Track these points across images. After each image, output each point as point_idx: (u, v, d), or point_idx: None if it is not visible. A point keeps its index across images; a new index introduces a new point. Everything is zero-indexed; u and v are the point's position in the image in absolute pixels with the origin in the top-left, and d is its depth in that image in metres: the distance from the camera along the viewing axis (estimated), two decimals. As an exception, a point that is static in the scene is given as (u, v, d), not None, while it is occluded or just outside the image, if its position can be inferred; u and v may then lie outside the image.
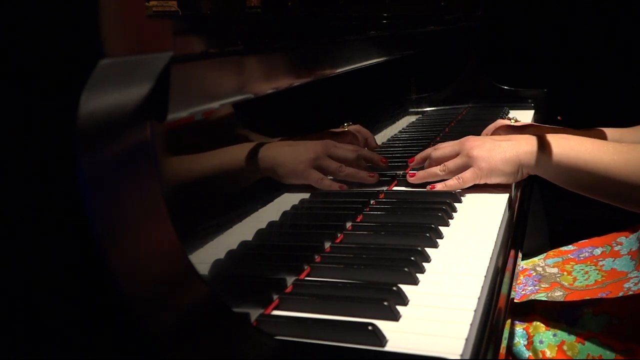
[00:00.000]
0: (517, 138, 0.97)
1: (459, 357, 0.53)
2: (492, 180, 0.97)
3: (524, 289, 1.08)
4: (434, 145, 1.37)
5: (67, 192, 0.43)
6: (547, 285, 1.07)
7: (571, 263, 1.14)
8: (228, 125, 0.72)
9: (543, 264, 1.16)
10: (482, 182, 0.98)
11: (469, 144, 0.99)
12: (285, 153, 0.83)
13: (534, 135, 0.96)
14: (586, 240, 1.21)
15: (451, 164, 1.00)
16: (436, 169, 1.02)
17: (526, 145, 0.94)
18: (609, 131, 1.13)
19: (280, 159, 0.81)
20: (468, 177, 0.98)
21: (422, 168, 1.08)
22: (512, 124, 1.29)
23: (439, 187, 1.00)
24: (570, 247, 1.21)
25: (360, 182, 0.99)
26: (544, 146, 0.92)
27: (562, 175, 0.92)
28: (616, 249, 1.13)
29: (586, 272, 1.09)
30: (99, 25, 0.39)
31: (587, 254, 1.16)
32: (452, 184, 0.99)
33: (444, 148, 1.03)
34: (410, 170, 1.06)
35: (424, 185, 1.07)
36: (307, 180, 0.87)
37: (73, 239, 0.44)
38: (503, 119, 1.41)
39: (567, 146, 0.90)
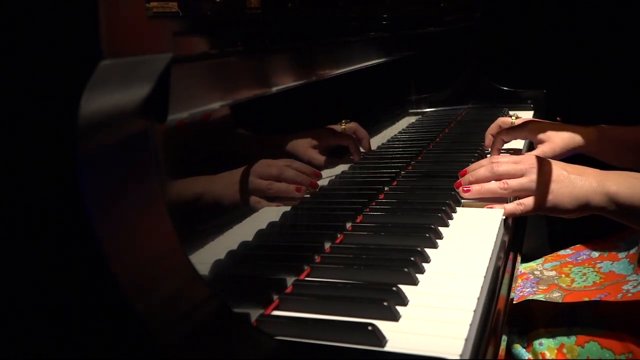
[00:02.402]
0: (587, 174, 0.89)
1: (458, 357, 0.53)
2: (552, 213, 0.90)
3: (521, 291, 1.08)
4: (433, 145, 1.38)
5: (67, 192, 0.43)
6: (544, 287, 1.07)
7: (569, 266, 1.14)
8: (228, 125, 0.72)
9: (541, 268, 1.16)
10: (541, 212, 0.91)
11: (538, 168, 0.91)
12: (223, 185, 0.71)
13: (601, 171, 0.89)
14: (583, 244, 1.21)
15: (515, 184, 0.92)
16: (496, 186, 0.94)
17: (597, 185, 0.87)
18: (610, 128, 1.13)
19: (223, 192, 0.71)
20: (530, 206, 0.90)
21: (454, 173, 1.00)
22: (513, 121, 1.29)
23: (496, 207, 0.92)
24: (567, 252, 1.21)
25: (291, 197, 0.85)
26: (615, 188, 0.86)
27: (631, 215, 0.86)
28: (614, 252, 1.13)
29: (584, 274, 1.09)
30: (100, 26, 0.39)
31: (584, 257, 1.16)
32: (512, 209, 0.91)
33: (508, 165, 0.94)
34: (463, 186, 0.97)
35: (423, 185, 1.07)
36: (253, 207, 0.76)
37: (73, 239, 0.44)
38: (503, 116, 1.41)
39: (639, 186, 0.85)
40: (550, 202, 0.89)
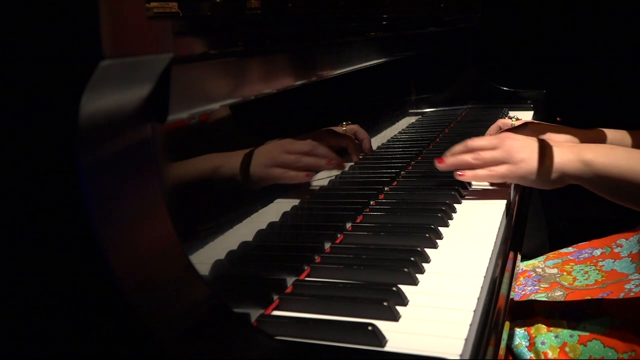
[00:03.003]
0: (563, 145, 0.90)
1: (458, 357, 0.53)
2: (526, 182, 0.91)
3: (523, 289, 1.08)
4: (433, 146, 1.38)
5: (67, 192, 0.43)
6: (546, 285, 1.07)
7: (571, 264, 1.14)
8: (228, 126, 0.72)
9: (543, 266, 1.16)
10: (514, 181, 0.92)
11: (510, 140, 0.92)
12: (248, 160, 0.75)
13: (577, 141, 0.90)
14: (586, 242, 1.21)
15: (487, 154, 0.93)
16: (468, 156, 0.95)
17: (571, 153, 0.87)
18: (609, 132, 1.13)
19: (248, 167, 0.75)
20: (501, 171, 0.91)
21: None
22: (513, 122, 1.30)
23: (468, 174, 0.94)
24: (569, 249, 1.21)
25: (321, 169, 0.91)
26: (591, 155, 0.86)
27: (606, 185, 0.86)
28: (616, 250, 1.13)
29: (586, 272, 1.09)
30: (100, 27, 0.39)
31: (586, 255, 1.16)
32: (482, 174, 0.92)
33: (482, 140, 0.96)
34: (438, 158, 0.99)
35: (423, 185, 1.07)
36: (273, 179, 0.80)
37: (73, 239, 0.44)
38: (504, 118, 1.41)
39: (615, 156, 0.85)
40: (524, 169, 0.89)
